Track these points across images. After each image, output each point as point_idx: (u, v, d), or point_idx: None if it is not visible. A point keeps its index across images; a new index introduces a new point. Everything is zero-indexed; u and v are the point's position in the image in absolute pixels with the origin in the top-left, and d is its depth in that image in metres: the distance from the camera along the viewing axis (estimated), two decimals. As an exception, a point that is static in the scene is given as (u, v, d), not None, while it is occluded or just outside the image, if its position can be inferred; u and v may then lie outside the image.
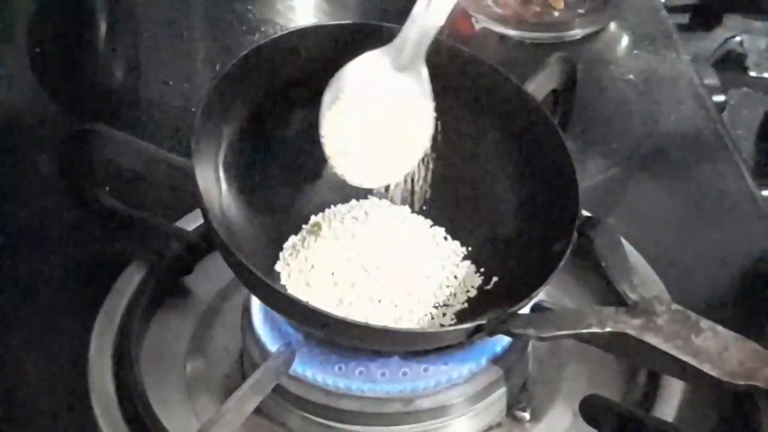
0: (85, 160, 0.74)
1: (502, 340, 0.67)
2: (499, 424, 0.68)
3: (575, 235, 0.66)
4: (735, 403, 0.59)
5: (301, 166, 0.73)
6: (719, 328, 0.60)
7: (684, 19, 1.21)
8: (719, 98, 0.99)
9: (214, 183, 0.67)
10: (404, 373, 0.65)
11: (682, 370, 0.60)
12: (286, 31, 0.70)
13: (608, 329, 0.61)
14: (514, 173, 0.72)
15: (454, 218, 0.72)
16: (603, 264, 0.66)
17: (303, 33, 0.70)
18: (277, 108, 0.71)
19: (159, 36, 1.07)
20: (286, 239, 0.70)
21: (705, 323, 0.60)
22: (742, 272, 0.79)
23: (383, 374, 0.65)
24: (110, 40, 1.07)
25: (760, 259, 0.79)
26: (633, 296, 0.63)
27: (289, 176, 0.72)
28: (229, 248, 0.62)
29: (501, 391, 0.67)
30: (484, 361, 0.66)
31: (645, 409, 0.66)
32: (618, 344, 0.61)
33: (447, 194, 0.73)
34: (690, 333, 0.60)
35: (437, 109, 0.69)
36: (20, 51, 1.03)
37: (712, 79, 1.02)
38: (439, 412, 0.66)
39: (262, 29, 1.05)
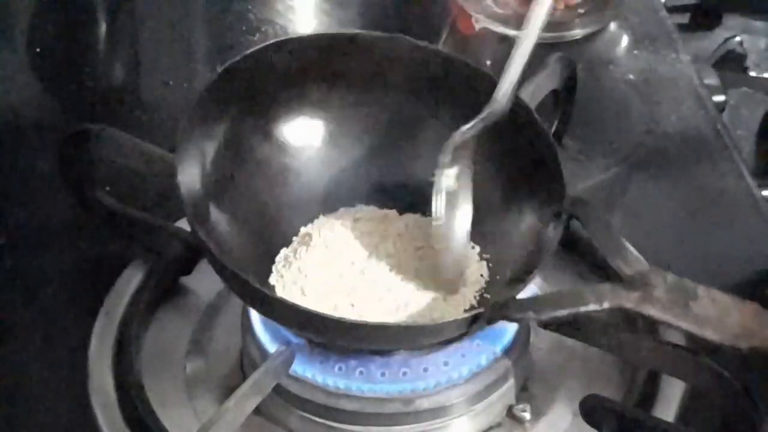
0: (85, 160, 0.74)
1: (502, 340, 0.67)
2: (499, 424, 0.68)
3: (564, 216, 0.66)
4: (735, 402, 0.59)
5: (286, 179, 0.73)
6: (718, 293, 0.60)
7: (684, 19, 1.21)
8: (719, 98, 0.99)
9: (202, 199, 0.68)
10: (404, 373, 0.65)
11: (685, 338, 0.60)
12: (260, 47, 0.71)
13: (606, 305, 0.61)
14: (497, 165, 0.72)
15: None
16: (595, 243, 0.66)
17: (277, 47, 0.71)
18: (257, 122, 0.72)
19: (159, 36, 1.07)
20: (277, 252, 0.71)
21: (703, 290, 0.60)
22: (742, 272, 0.79)
23: (383, 374, 0.65)
24: (110, 40, 1.07)
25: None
26: (628, 271, 0.62)
27: (275, 190, 0.73)
28: (222, 262, 0.62)
29: (501, 391, 0.67)
30: (484, 362, 0.66)
31: (645, 409, 0.66)
32: (604, 330, 0.61)
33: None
34: (689, 301, 0.60)
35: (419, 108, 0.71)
36: (20, 51, 1.03)
37: (712, 79, 1.02)
38: (439, 412, 0.66)
39: (262, 29, 1.05)
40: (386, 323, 0.64)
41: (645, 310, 0.60)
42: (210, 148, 0.69)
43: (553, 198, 0.67)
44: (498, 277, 0.69)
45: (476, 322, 0.63)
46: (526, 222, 0.69)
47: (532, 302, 0.63)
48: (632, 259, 0.63)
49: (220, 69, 0.69)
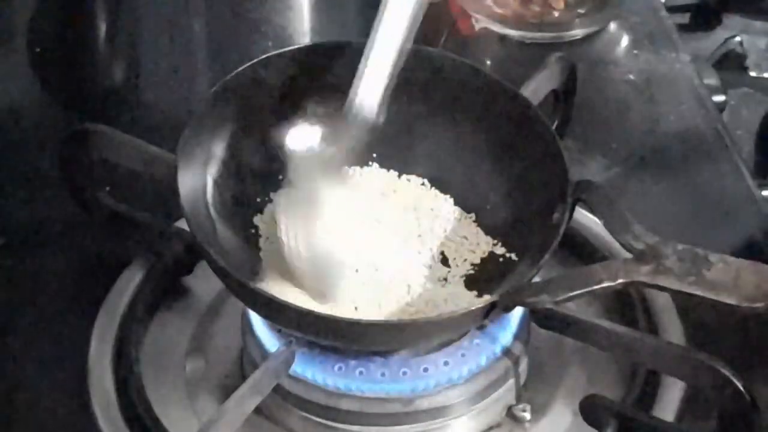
0: (85, 160, 0.74)
1: (502, 340, 0.67)
2: (499, 424, 0.68)
3: (570, 199, 0.66)
4: (734, 402, 0.59)
5: (281, 183, 0.73)
6: (729, 257, 0.61)
7: (684, 19, 1.21)
8: (719, 98, 0.99)
9: (201, 203, 0.68)
10: (404, 373, 0.65)
11: (663, 350, 0.61)
12: (249, 64, 0.72)
13: (620, 280, 0.61)
14: (500, 158, 0.73)
15: None
16: (602, 221, 0.66)
17: (265, 63, 0.72)
18: (253, 134, 0.72)
19: (159, 36, 1.06)
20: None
21: (714, 256, 0.61)
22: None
23: (383, 374, 0.65)
24: (110, 40, 1.07)
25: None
26: (637, 245, 0.62)
27: (271, 195, 0.73)
28: (221, 264, 0.63)
29: (501, 391, 0.67)
30: (484, 362, 0.66)
31: (645, 409, 0.66)
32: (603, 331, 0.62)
33: (437, 186, 0.74)
34: (701, 268, 0.60)
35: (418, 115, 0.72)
36: (20, 51, 1.03)
37: (712, 79, 1.02)
38: (439, 412, 0.66)
39: (262, 29, 1.05)
40: (395, 320, 0.64)
41: (659, 282, 0.60)
42: (209, 158, 0.70)
43: (558, 182, 0.67)
44: (506, 268, 0.69)
45: (492, 310, 0.62)
46: (533, 210, 0.70)
47: (546, 285, 0.63)
48: (641, 233, 0.63)
49: (214, 88, 0.70)
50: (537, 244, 0.66)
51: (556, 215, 0.66)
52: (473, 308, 0.62)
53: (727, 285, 0.59)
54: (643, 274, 0.61)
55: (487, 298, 0.64)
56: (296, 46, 0.74)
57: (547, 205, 0.67)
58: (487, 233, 0.72)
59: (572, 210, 0.67)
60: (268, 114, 0.73)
